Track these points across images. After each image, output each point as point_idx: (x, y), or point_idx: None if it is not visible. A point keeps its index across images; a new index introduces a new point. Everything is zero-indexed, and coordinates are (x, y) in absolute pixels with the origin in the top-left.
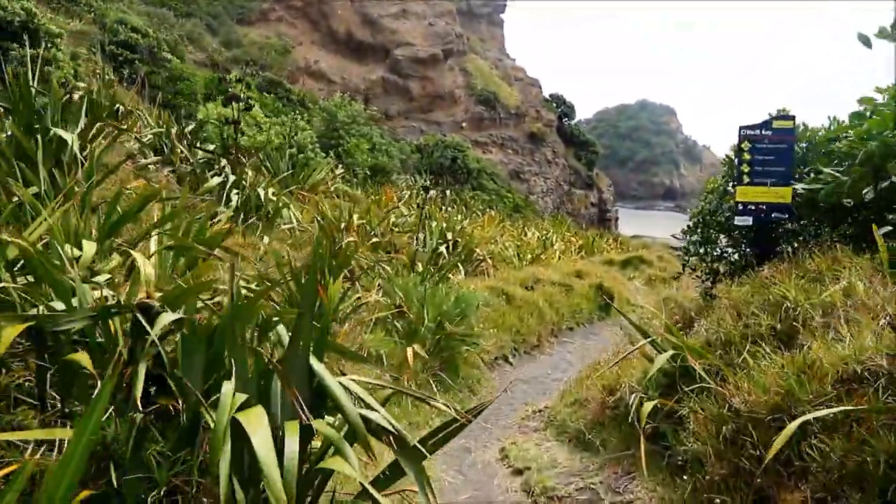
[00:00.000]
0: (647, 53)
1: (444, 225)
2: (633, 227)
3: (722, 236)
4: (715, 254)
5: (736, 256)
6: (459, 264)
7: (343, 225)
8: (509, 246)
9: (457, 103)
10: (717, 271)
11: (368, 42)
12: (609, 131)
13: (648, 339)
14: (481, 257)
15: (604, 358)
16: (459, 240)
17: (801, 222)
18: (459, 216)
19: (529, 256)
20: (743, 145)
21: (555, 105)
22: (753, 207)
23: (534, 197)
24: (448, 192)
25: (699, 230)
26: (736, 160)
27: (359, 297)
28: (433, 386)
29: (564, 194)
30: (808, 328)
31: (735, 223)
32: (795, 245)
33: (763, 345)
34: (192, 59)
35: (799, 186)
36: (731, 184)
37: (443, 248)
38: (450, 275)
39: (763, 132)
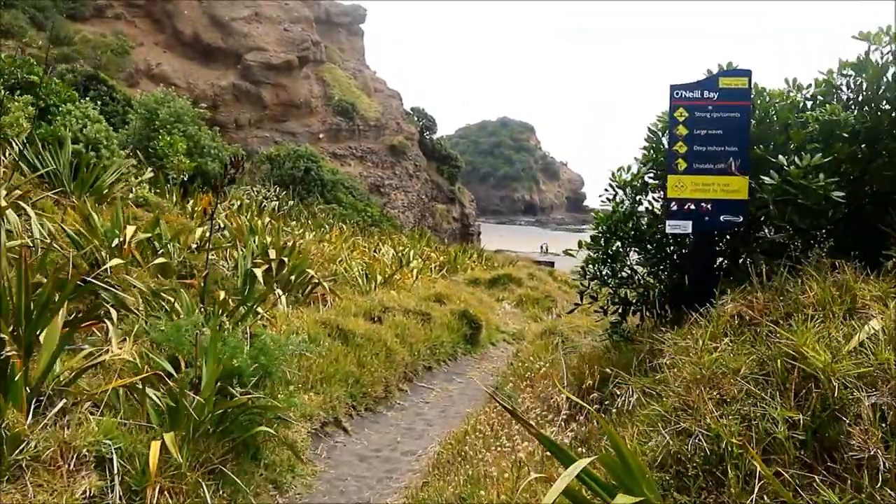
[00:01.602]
0: (508, 72)
1: (269, 240)
2: (496, 242)
3: (633, 251)
4: (623, 275)
5: (654, 280)
6: (281, 292)
7: (116, 241)
8: (356, 265)
9: (313, 113)
10: (627, 301)
11: (218, 45)
12: (471, 147)
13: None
14: (317, 280)
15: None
16: (287, 259)
17: (766, 228)
18: (300, 230)
19: (380, 277)
20: (677, 114)
21: (416, 118)
22: (693, 207)
23: (394, 211)
24: (292, 203)
25: (604, 243)
26: (666, 137)
27: (93, 353)
28: (206, 493)
29: (426, 208)
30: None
31: (667, 231)
32: (758, 261)
33: None
34: (10, 55)
35: (767, 179)
36: (652, 173)
37: (259, 271)
38: (260, 308)
39: (705, 94)
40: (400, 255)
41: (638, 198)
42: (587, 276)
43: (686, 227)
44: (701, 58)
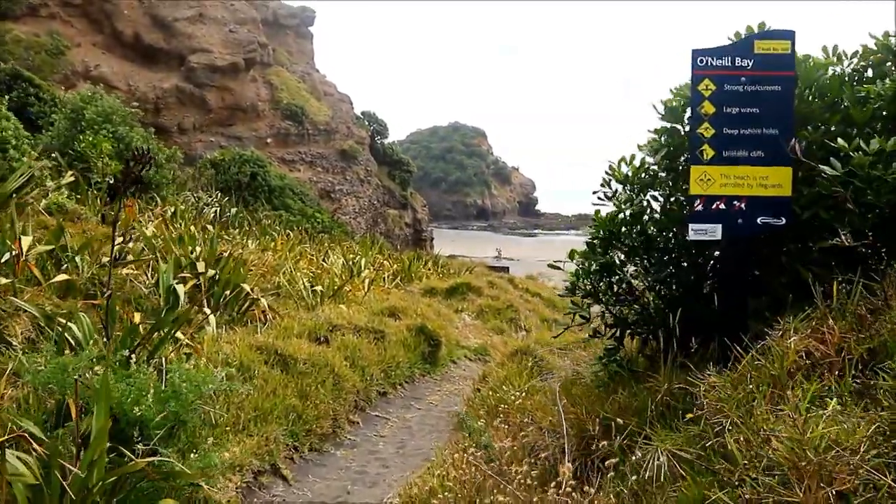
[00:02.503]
0: (461, 76)
1: (199, 251)
2: (449, 248)
3: (632, 262)
4: (621, 290)
5: (660, 298)
6: (211, 311)
7: (8, 256)
8: (302, 276)
9: (261, 117)
10: (625, 322)
11: (160, 47)
12: (422, 152)
13: None
14: (254, 296)
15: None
16: (219, 273)
17: (843, 234)
18: (241, 239)
19: (329, 290)
20: (701, 87)
21: (367, 123)
22: (723, 206)
23: (346, 217)
24: (235, 209)
25: (602, 251)
26: (688, 116)
27: None
28: None
29: (378, 214)
30: None
31: (689, 237)
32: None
33: None
34: None
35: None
36: (663, 165)
37: (183, 288)
38: (181, 333)
39: (737, 62)
40: (351, 264)
41: (643, 195)
42: (578, 292)
43: (714, 231)
44: (649, 67)
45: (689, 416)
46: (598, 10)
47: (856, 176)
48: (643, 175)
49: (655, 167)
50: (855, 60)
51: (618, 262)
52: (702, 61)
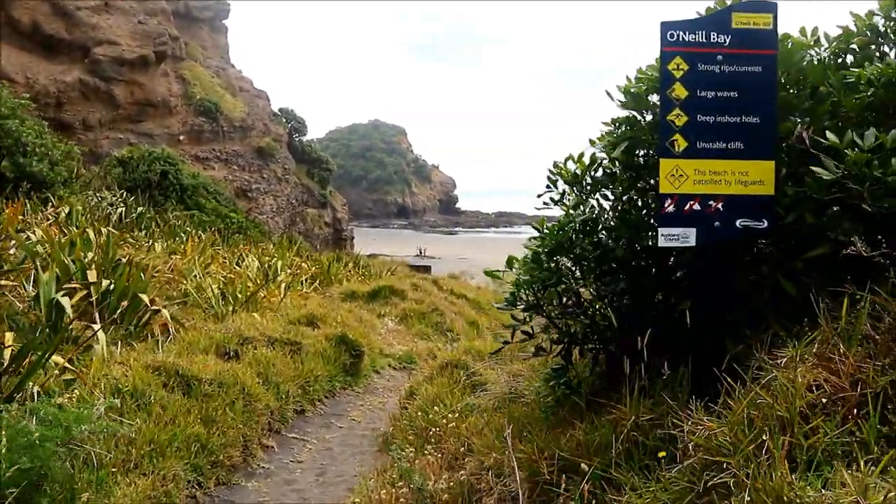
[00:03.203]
0: (381, 74)
1: (91, 257)
2: (370, 246)
3: (583, 274)
4: (568, 301)
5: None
6: (98, 327)
7: None
8: (213, 282)
9: (173, 113)
10: (573, 337)
11: (62, 37)
12: (342, 150)
13: None
14: (156, 307)
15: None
16: (114, 282)
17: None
18: (147, 241)
19: (241, 297)
20: (672, 66)
21: (285, 120)
22: (698, 207)
23: (263, 216)
24: (142, 210)
25: (549, 262)
26: (659, 101)
27: None
28: None
29: (297, 213)
30: None
31: (660, 244)
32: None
33: None
34: None
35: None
36: (622, 161)
37: (69, 301)
38: (59, 357)
39: (713, 38)
40: (266, 267)
41: (595, 197)
42: (519, 304)
43: (688, 237)
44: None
45: (662, 454)
46: (528, 8)
47: (849, 176)
48: (596, 173)
49: (611, 164)
50: (834, 44)
51: (564, 269)
52: (672, 36)
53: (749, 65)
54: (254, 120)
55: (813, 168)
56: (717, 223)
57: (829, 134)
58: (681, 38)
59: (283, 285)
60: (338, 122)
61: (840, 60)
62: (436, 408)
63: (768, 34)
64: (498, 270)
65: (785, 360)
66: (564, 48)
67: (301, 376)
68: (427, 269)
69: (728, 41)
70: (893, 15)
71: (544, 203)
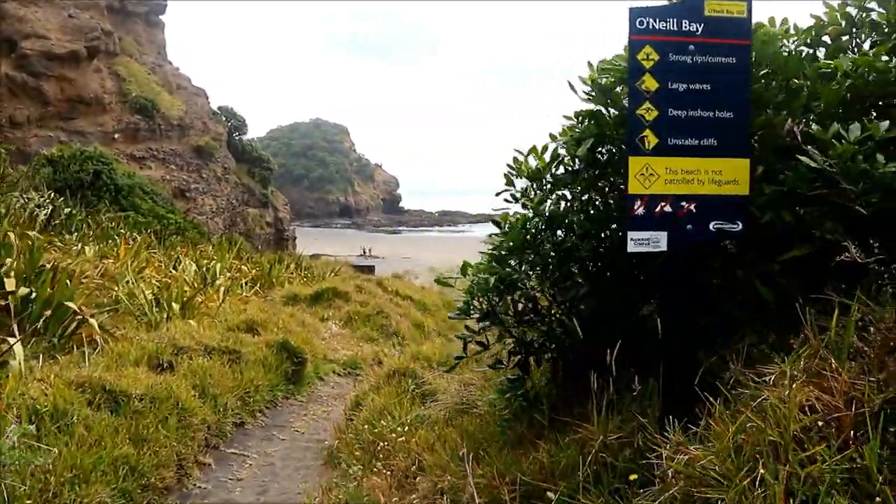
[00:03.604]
0: (323, 73)
1: (9, 263)
2: (313, 246)
3: (544, 278)
4: (525, 307)
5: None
6: (15, 340)
7: None
8: (146, 288)
9: (107, 111)
10: (530, 346)
11: None
12: (283, 149)
13: None
14: (82, 317)
15: None
16: (35, 290)
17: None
18: (77, 245)
19: (177, 304)
20: (641, 56)
21: (224, 118)
22: (669, 209)
23: (202, 217)
24: (73, 211)
25: (509, 264)
26: (628, 92)
27: None
28: None
29: (237, 214)
30: None
31: (629, 248)
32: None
33: None
34: None
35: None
36: (587, 158)
37: None
38: None
39: (685, 26)
40: (204, 270)
41: (558, 194)
42: (473, 313)
43: (658, 241)
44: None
45: (633, 476)
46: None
47: (834, 170)
48: (557, 170)
49: (572, 161)
50: (804, 35)
51: (522, 273)
52: (641, 23)
53: (722, 55)
54: (192, 118)
55: (799, 157)
56: (689, 226)
57: (814, 126)
58: (650, 26)
59: (222, 289)
60: (279, 121)
61: (812, 52)
62: (383, 421)
63: (743, 23)
64: (450, 277)
65: (773, 376)
66: (496, 48)
67: (240, 387)
68: (371, 269)
69: (700, 30)
70: (868, 5)
71: (505, 200)
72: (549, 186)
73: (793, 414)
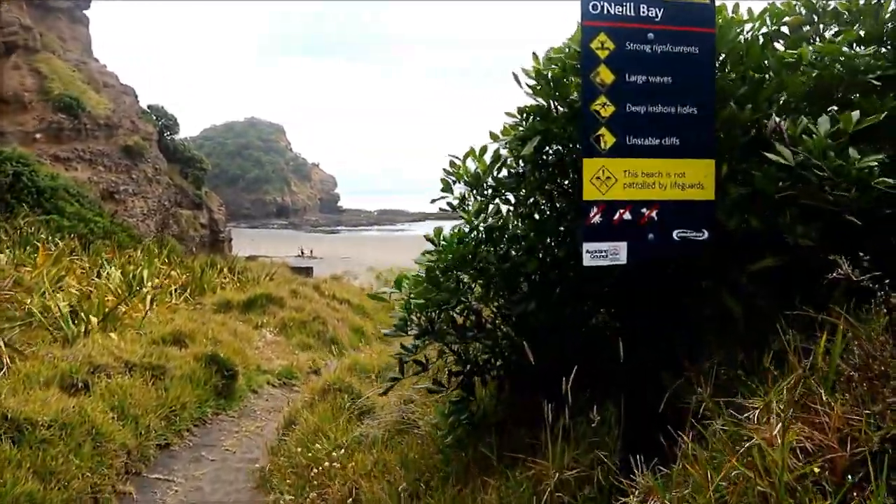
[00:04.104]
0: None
1: None
2: (249, 248)
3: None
4: (468, 321)
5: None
6: None
7: None
8: (65, 298)
9: (27, 110)
10: (475, 363)
11: None
12: (217, 149)
13: None
14: None
15: None
16: None
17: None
18: None
19: (99, 313)
20: (595, 45)
21: (155, 117)
22: (629, 216)
23: (132, 220)
24: None
25: (448, 281)
26: (581, 85)
27: None
28: None
29: (170, 216)
30: None
31: (585, 262)
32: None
33: None
34: None
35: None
36: (532, 159)
37: None
38: None
39: (642, 11)
40: (130, 277)
41: (500, 200)
42: (410, 330)
43: (617, 252)
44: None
45: None
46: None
47: (808, 167)
48: (499, 173)
49: (516, 162)
50: (758, 22)
51: (463, 286)
52: (595, 7)
53: (684, 44)
54: (120, 117)
55: (767, 154)
56: (650, 235)
57: (775, 117)
58: (606, 11)
59: (149, 298)
60: (213, 121)
61: (769, 41)
62: (318, 444)
63: (705, 9)
64: (384, 291)
65: (754, 411)
66: (449, 46)
67: (165, 405)
68: (309, 270)
69: (660, 15)
70: None
71: (440, 209)
72: (489, 192)
73: (785, 461)
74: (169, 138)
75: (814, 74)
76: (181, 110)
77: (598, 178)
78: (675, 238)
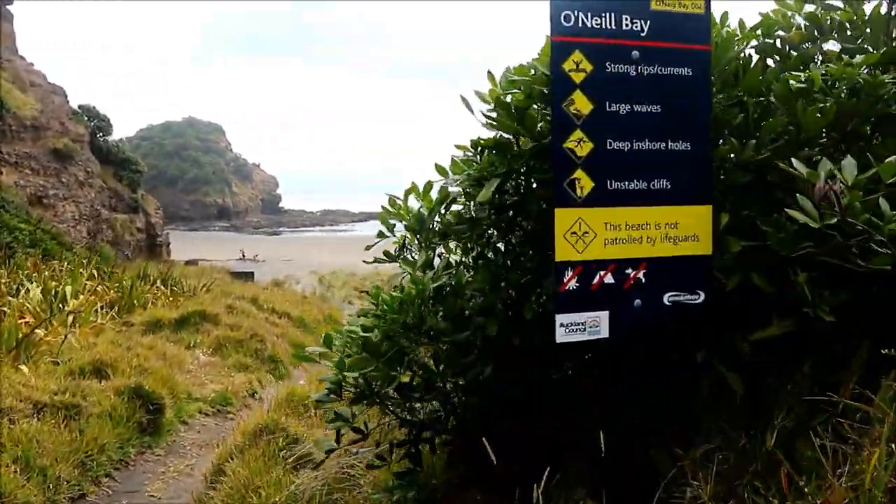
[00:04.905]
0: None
1: None
2: (189, 251)
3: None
4: (415, 382)
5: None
6: None
7: None
8: None
9: None
10: (423, 427)
11: None
12: (155, 149)
13: None
14: None
15: None
16: None
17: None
18: None
19: (10, 341)
20: (568, 65)
21: (86, 118)
22: (612, 280)
23: (63, 226)
24: None
25: (391, 348)
26: (552, 117)
27: None
28: None
29: (103, 220)
30: None
31: (558, 339)
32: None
33: None
34: None
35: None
36: (492, 202)
37: None
38: None
39: (625, 25)
40: (53, 294)
41: (451, 248)
42: (344, 394)
43: (597, 325)
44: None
45: None
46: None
47: (835, 226)
48: (448, 216)
49: (467, 200)
50: (748, 37)
51: (409, 345)
52: (568, 18)
53: (676, 65)
54: (48, 118)
55: (789, 212)
56: (637, 301)
57: (796, 163)
58: (581, 23)
59: (72, 318)
60: (150, 121)
61: (764, 60)
62: (248, 498)
63: (700, 21)
64: (316, 349)
65: None
66: (413, 46)
67: (80, 450)
68: (250, 275)
69: (647, 30)
70: (833, 2)
71: (376, 260)
72: (436, 239)
73: None
74: (102, 140)
75: (828, 104)
76: (115, 110)
77: (573, 232)
78: (667, 302)
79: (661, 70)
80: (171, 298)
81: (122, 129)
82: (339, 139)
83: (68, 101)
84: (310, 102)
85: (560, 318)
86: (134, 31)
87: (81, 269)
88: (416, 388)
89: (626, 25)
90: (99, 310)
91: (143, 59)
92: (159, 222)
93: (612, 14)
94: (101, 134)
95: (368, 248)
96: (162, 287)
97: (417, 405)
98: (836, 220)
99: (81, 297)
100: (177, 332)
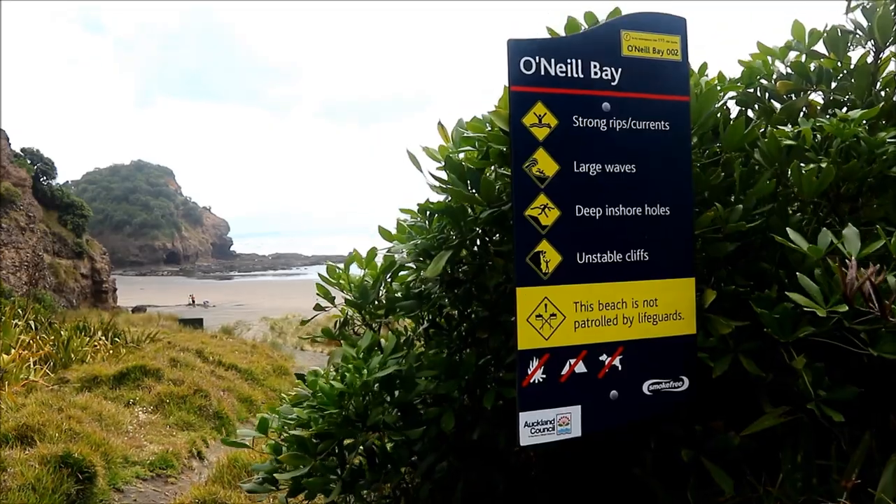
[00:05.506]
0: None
1: None
2: (137, 297)
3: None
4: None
5: None
6: None
7: None
8: None
9: None
10: None
11: None
12: (102, 193)
13: None
14: None
15: None
16: None
17: None
18: None
19: None
20: (529, 120)
21: (30, 161)
22: (584, 369)
23: (2, 273)
24: None
25: (328, 447)
26: (511, 179)
27: None
28: None
29: (46, 267)
30: None
31: (522, 442)
32: None
33: None
34: None
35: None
36: (441, 278)
37: None
38: None
39: (594, 70)
40: None
41: (391, 327)
42: (281, 485)
43: (568, 422)
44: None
45: None
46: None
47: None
48: (395, 286)
49: (416, 272)
50: (728, 88)
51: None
52: (529, 65)
53: (651, 118)
54: None
55: (790, 295)
56: (613, 392)
57: (792, 234)
58: (544, 71)
59: (0, 376)
60: (96, 163)
61: (744, 112)
62: None
63: (678, 69)
64: (249, 434)
65: None
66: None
67: None
68: (199, 322)
69: (618, 78)
70: (819, 49)
71: (314, 341)
72: (380, 313)
73: None
74: (46, 183)
75: (825, 166)
76: (60, 153)
77: (538, 315)
78: (647, 392)
79: (634, 124)
80: (111, 351)
81: (68, 172)
82: (292, 182)
83: (10, 144)
84: (261, 144)
85: (524, 417)
86: (76, 69)
87: (17, 320)
88: (361, 469)
89: (595, 73)
90: (32, 365)
91: (87, 99)
92: (105, 268)
93: (580, 60)
94: (45, 178)
95: (304, 322)
96: (103, 339)
97: (364, 492)
98: (844, 307)
99: (14, 351)
100: (116, 388)
